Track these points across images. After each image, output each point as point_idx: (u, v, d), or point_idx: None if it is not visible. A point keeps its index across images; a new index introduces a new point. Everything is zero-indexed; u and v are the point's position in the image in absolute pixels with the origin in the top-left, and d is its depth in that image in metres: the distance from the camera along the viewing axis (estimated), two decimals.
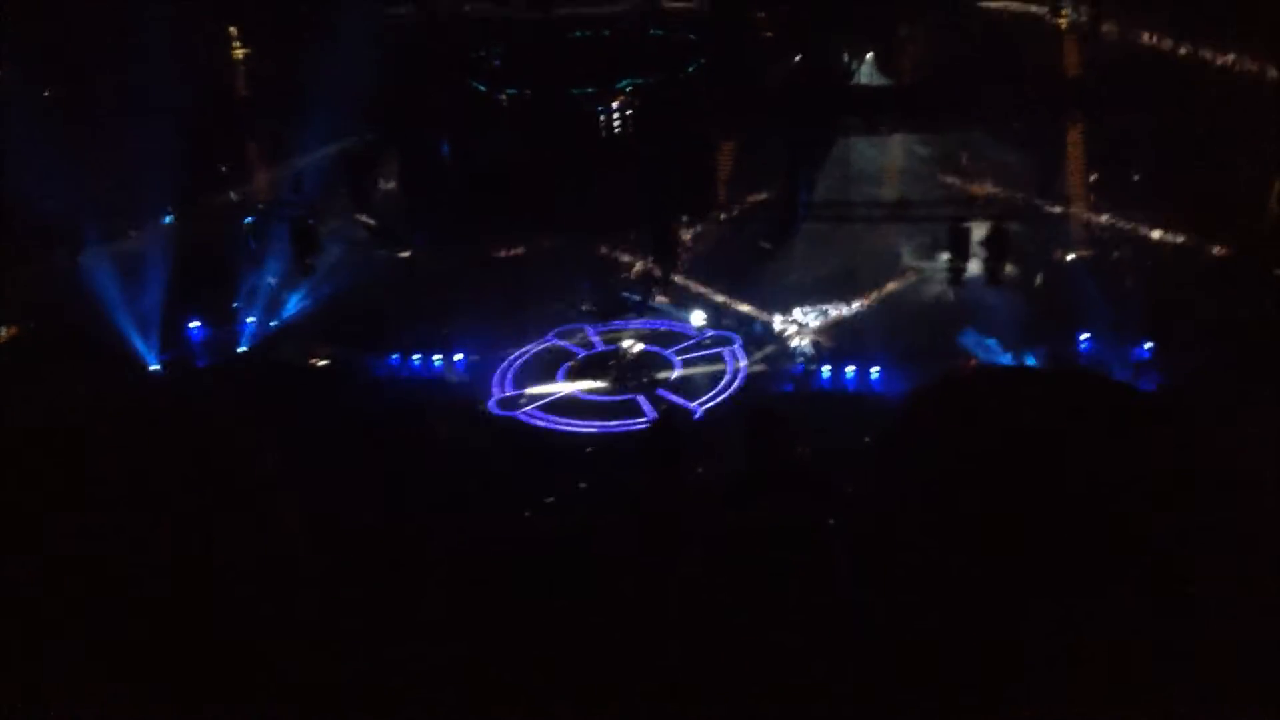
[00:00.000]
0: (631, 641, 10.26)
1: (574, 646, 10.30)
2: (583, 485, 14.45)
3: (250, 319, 19.54)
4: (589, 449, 16.24)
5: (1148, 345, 16.86)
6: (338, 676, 9.68)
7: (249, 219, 19.42)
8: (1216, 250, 17.73)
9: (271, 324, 19.84)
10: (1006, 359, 17.70)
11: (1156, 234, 18.56)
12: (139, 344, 17.79)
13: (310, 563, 10.98)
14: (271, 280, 19.48)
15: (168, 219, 18.68)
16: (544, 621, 10.78)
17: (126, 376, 17.24)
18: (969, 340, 18.03)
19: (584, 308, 20.61)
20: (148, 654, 8.82)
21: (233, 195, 20.21)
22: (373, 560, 12.25)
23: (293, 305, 20.04)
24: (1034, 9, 18.29)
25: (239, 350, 19.20)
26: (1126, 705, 6.10)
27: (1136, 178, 18.64)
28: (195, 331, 19.32)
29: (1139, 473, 5.19)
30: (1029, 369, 17.19)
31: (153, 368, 17.82)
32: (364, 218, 18.63)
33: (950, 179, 19.49)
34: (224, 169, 20.38)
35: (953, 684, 6.87)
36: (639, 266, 20.84)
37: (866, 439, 15.05)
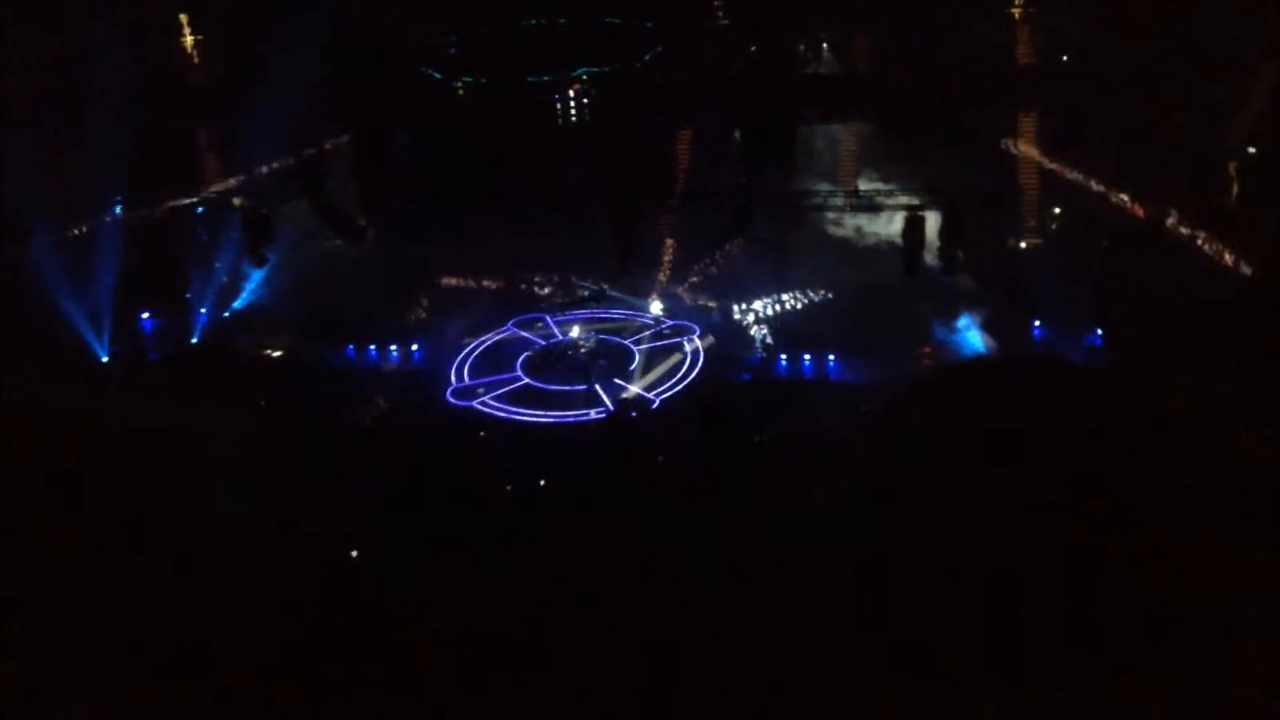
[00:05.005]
0: (592, 628, 10.34)
1: (533, 632, 10.36)
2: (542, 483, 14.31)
3: (203, 310, 19.33)
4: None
5: (1099, 331, 17.03)
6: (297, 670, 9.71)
7: (200, 209, 19.14)
8: (1174, 231, 17.71)
9: (224, 315, 19.64)
10: (967, 347, 17.81)
11: (1111, 220, 18.68)
12: (89, 336, 17.54)
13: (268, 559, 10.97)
14: (223, 271, 19.26)
15: (117, 209, 18.36)
16: (503, 608, 10.81)
17: (76, 369, 17.04)
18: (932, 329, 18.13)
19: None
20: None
21: (184, 185, 19.86)
22: (335, 550, 12.22)
23: (246, 295, 19.84)
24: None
25: (191, 341, 19.00)
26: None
27: (1090, 162, 18.73)
28: (147, 323, 19.07)
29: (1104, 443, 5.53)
30: (988, 359, 17.34)
31: (103, 359, 17.59)
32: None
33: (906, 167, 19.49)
34: (176, 159, 20.02)
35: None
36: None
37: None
